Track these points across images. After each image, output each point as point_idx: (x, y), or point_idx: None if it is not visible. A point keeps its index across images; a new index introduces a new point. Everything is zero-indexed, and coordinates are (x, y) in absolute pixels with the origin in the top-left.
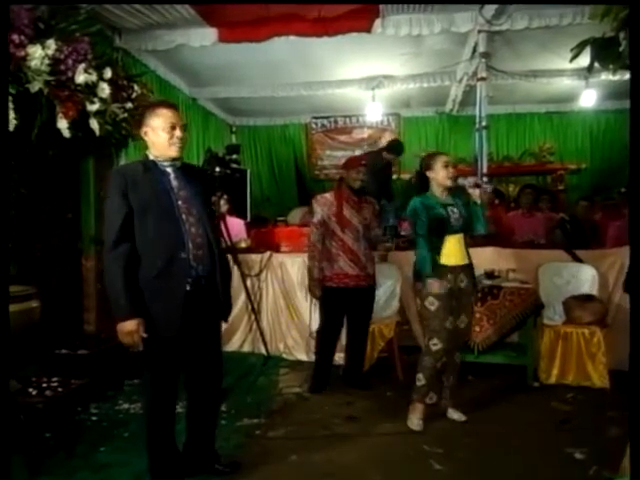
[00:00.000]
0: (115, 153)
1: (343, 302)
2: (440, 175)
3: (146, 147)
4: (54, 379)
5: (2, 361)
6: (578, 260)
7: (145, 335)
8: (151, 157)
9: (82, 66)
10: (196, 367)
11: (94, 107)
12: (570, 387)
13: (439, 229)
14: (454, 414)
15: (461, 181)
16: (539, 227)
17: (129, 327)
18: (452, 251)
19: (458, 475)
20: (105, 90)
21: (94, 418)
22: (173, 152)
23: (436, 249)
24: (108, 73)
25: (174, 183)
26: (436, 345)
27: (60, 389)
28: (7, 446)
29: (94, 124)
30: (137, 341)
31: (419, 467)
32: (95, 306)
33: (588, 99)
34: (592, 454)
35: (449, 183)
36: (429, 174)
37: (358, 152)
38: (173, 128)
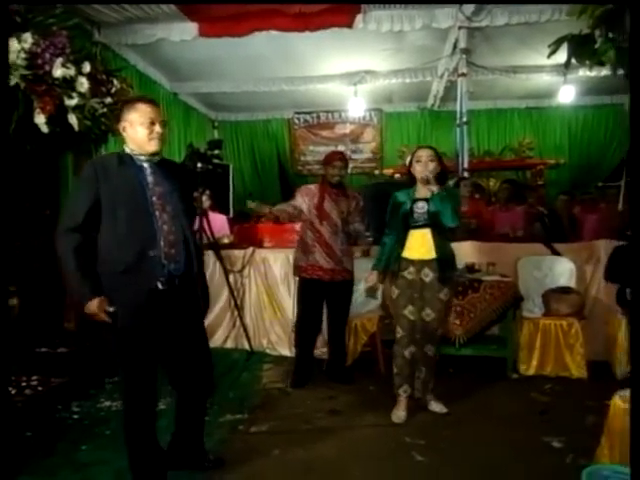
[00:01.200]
0: (94, 149)
1: (318, 295)
2: (416, 170)
3: (125, 142)
4: (34, 377)
5: (2, 361)
6: (556, 253)
7: (111, 309)
8: (128, 151)
9: (60, 60)
10: (180, 364)
11: (72, 102)
12: (549, 378)
13: (404, 223)
14: (436, 406)
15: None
16: (517, 221)
17: (92, 308)
18: (415, 245)
19: (439, 466)
20: (84, 85)
21: (75, 416)
22: (152, 147)
23: (400, 242)
24: (87, 67)
25: (150, 178)
26: (398, 332)
27: (40, 388)
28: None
29: (73, 119)
30: (103, 317)
31: (401, 459)
32: (75, 304)
33: (566, 95)
34: (569, 443)
35: (423, 177)
36: (411, 169)
37: (341, 147)
38: (152, 124)
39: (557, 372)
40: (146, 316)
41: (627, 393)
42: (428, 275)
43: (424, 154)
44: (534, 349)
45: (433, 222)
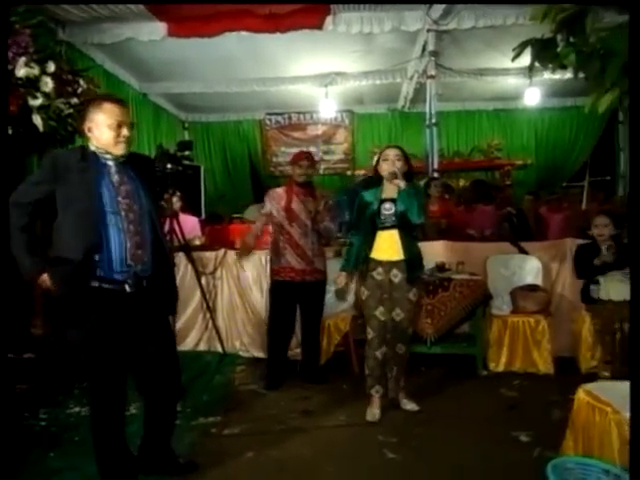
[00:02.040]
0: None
1: (290, 296)
2: (382, 168)
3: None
4: None
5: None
6: (523, 252)
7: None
8: (92, 148)
9: (23, 59)
10: (147, 368)
11: (37, 102)
12: (517, 374)
13: (371, 224)
14: (407, 404)
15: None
16: (485, 221)
17: (40, 282)
18: (383, 246)
19: (410, 462)
20: (48, 84)
21: (43, 423)
22: (118, 151)
23: (368, 243)
24: (51, 67)
25: (115, 177)
26: (369, 334)
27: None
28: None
29: (37, 120)
30: (50, 287)
31: (372, 457)
32: (42, 309)
33: (532, 97)
34: (536, 436)
35: (391, 172)
36: (378, 168)
37: (313, 148)
38: (119, 126)
39: (525, 368)
40: (108, 322)
41: (591, 387)
42: (397, 276)
43: (391, 153)
44: (503, 346)
45: (401, 223)
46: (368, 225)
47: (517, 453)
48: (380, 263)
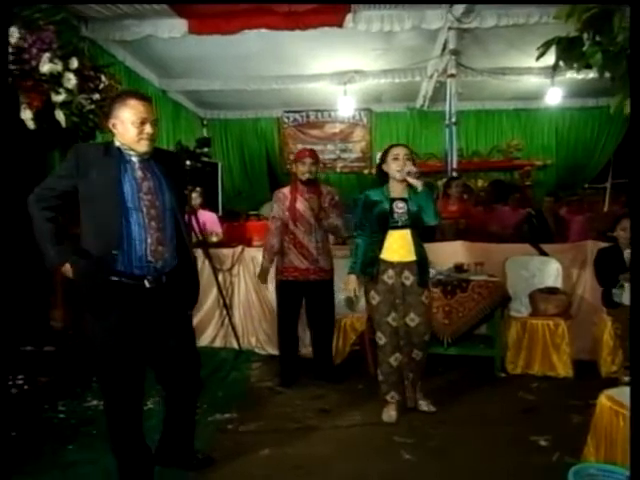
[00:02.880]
0: None
1: (295, 295)
2: (391, 168)
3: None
4: (19, 377)
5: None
6: (543, 254)
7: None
8: (117, 144)
9: (47, 55)
10: (168, 362)
11: (60, 98)
12: (535, 377)
13: (381, 224)
14: (424, 405)
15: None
16: (505, 220)
17: (63, 272)
18: (394, 247)
19: (427, 464)
20: (71, 80)
21: (61, 416)
22: (142, 148)
23: (378, 244)
24: (74, 63)
25: (138, 173)
26: (381, 339)
27: (26, 387)
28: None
29: (60, 115)
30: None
31: (389, 457)
32: (62, 302)
33: (554, 97)
34: (555, 441)
35: (397, 176)
36: (384, 167)
37: (330, 147)
38: (143, 123)
39: (544, 371)
40: (127, 317)
41: (613, 392)
42: (409, 278)
43: (401, 152)
44: (521, 348)
45: (413, 223)
46: (376, 225)
47: (536, 457)
48: (391, 264)
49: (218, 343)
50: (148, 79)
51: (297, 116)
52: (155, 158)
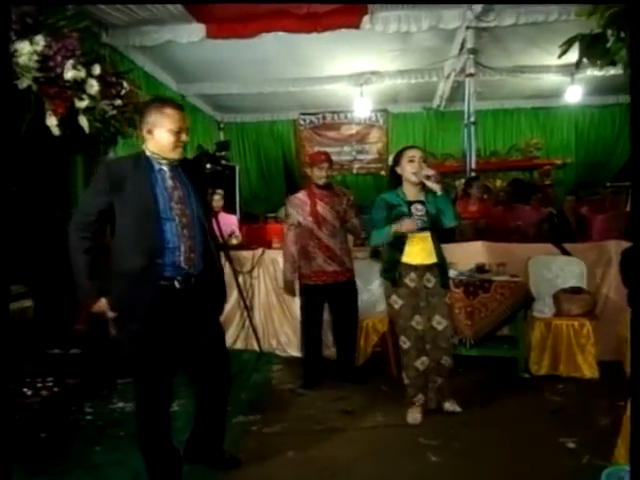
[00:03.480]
0: (104, 151)
1: (322, 298)
2: (406, 170)
3: (134, 144)
4: (49, 379)
5: (2, 361)
6: (566, 253)
7: (111, 314)
8: (148, 153)
9: (70, 62)
10: (200, 360)
11: (83, 104)
12: (560, 378)
13: None
14: (449, 406)
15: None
16: (526, 219)
17: (99, 306)
18: (415, 250)
19: (454, 466)
20: (94, 87)
21: (88, 417)
22: (175, 155)
23: (398, 248)
24: (97, 69)
25: (169, 182)
26: (405, 344)
27: (55, 389)
28: (8, 446)
29: (83, 121)
30: (109, 316)
31: (415, 459)
32: (83, 304)
33: (573, 95)
34: (584, 443)
35: (413, 178)
36: (398, 170)
37: (347, 148)
38: (180, 132)
39: (569, 372)
40: (158, 319)
41: None
42: (430, 280)
43: (417, 154)
44: (545, 349)
45: (432, 225)
46: None
47: (565, 460)
48: (413, 268)
49: (239, 345)
50: (167, 84)
51: (313, 118)
52: (181, 166)
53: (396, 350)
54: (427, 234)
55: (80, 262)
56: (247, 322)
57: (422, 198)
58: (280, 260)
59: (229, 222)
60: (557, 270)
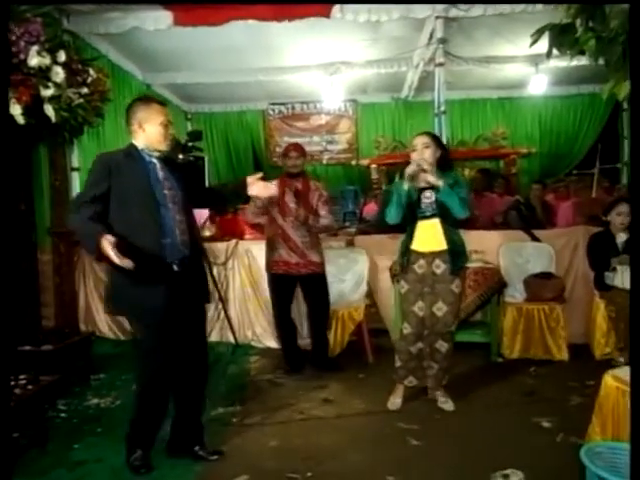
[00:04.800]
0: (70, 140)
1: (287, 287)
2: (412, 159)
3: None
4: (22, 377)
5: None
6: (536, 240)
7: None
8: (140, 146)
9: (35, 48)
10: (183, 350)
11: (49, 92)
12: (532, 361)
13: (410, 214)
14: (445, 403)
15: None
16: (493, 208)
17: (105, 244)
18: (424, 237)
19: (434, 449)
20: (59, 74)
21: (63, 415)
22: (164, 147)
23: (409, 234)
24: (62, 56)
25: (160, 173)
26: (406, 329)
27: (30, 386)
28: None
29: (49, 110)
30: (115, 259)
31: (397, 444)
32: (54, 301)
33: (538, 85)
34: (558, 422)
35: (412, 171)
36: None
37: (316, 138)
38: (167, 125)
39: (540, 355)
40: (166, 297)
41: (617, 372)
42: (440, 267)
43: (419, 141)
44: (517, 333)
45: (442, 211)
46: (409, 216)
47: (541, 438)
48: (422, 255)
49: (214, 337)
50: (132, 73)
51: (282, 108)
52: (167, 160)
53: (371, 338)
54: (436, 221)
55: (85, 227)
56: (222, 314)
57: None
58: (255, 250)
59: (200, 213)
60: (527, 256)
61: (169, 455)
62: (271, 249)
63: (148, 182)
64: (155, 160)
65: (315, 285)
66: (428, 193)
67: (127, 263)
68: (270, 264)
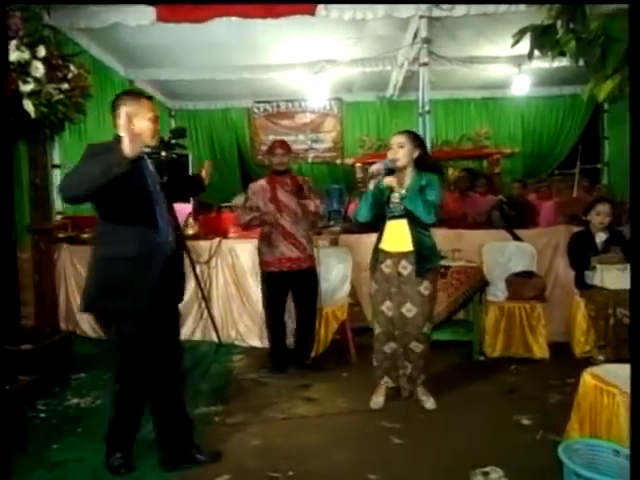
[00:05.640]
0: (50, 137)
1: (285, 285)
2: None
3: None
4: None
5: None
6: (518, 239)
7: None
8: None
9: (14, 43)
10: (160, 349)
11: (28, 87)
12: (513, 359)
13: (381, 214)
14: (426, 402)
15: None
16: (477, 207)
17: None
18: (392, 236)
19: (417, 447)
20: (39, 69)
21: (42, 415)
22: (152, 141)
23: (379, 234)
24: (42, 51)
25: (151, 168)
26: (377, 329)
27: (7, 386)
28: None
29: (29, 106)
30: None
31: (379, 442)
32: (33, 300)
33: (520, 85)
34: (538, 420)
35: (374, 172)
36: None
37: (301, 137)
38: (155, 120)
39: (521, 353)
40: (153, 295)
41: (596, 370)
42: (406, 268)
43: (394, 141)
44: (499, 332)
45: (409, 212)
46: (379, 215)
47: (520, 436)
48: (389, 254)
49: (197, 336)
50: (114, 69)
51: (267, 106)
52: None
53: (355, 337)
54: (403, 221)
55: (90, 171)
56: (205, 313)
57: (408, 184)
58: (238, 248)
59: (184, 211)
60: (509, 255)
61: (163, 466)
62: (268, 247)
63: (141, 176)
64: (145, 156)
65: (309, 281)
66: (397, 193)
67: None
68: (266, 263)
